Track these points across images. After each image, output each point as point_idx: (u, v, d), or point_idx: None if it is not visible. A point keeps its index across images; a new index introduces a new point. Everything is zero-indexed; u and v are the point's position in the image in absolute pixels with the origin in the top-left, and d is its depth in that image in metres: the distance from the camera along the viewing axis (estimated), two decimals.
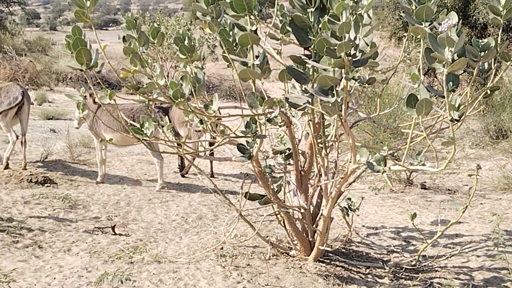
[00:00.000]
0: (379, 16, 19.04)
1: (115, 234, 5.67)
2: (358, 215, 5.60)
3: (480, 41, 3.83)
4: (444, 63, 3.39)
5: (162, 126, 4.59)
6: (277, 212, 5.07)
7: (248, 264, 4.79)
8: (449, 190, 7.79)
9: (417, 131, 4.53)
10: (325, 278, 4.55)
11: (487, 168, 8.79)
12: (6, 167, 7.87)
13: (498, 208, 6.86)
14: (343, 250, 5.31)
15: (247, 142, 4.40)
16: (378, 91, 10.12)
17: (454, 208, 6.39)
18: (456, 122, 3.60)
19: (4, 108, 7.82)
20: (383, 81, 5.63)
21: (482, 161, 9.49)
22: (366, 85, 5.01)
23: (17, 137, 7.89)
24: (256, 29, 4.47)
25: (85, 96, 4.68)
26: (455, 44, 3.32)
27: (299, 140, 5.19)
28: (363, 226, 6.20)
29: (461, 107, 3.65)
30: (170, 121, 4.71)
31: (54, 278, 4.47)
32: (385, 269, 4.76)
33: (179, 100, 4.18)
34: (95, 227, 5.85)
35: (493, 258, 4.92)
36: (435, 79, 17.02)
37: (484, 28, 16.18)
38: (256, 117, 4.47)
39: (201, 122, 4.58)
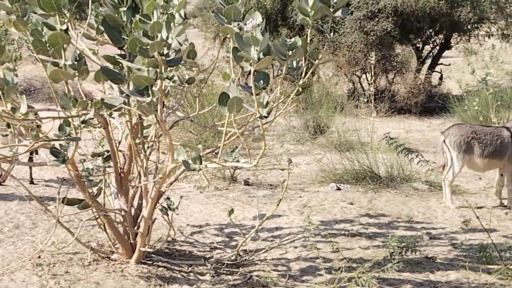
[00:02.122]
0: (205, 17, 19.30)
1: None
2: (178, 214, 5.64)
3: (288, 40, 4.01)
4: (250, 61, 3.52)
5: None
6: (97, 216, 4.96)
7: (67, 272, 4.65)
8: (271, 185, 8.09)
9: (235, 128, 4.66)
10: (146, 279, 4.54)
11: (306, 162, 9.26)
12: None
13: (315, 200, 7.24)
14: (167, 250, 5.32)
15: (61, 145, 4.26)
16: (205, 90, 10.31)
17: (272, 202, 6.65)
18: (265, 118, 3.75)
19: None
20: (201, 81, 5.72)
21: (302, 156, 9.97)
22: (186, 84, 5.08)
23: None
24: (67, 28, 4.32)
25: None
26: (260, 43, 3.45)
27: (119, 142, 5.12)
28: (188, 225, 6.25)
29: (270, 104, 3.80)
30: None
31: None
32: (206, 266, 4.84)
33: None
34: None
35: (309, 248, 5.19)
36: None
37: (301, 29, 17.00)
38: (71, 119, 4.34)
39: (9, 126, 4.35)
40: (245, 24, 3.52)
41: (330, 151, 9.97)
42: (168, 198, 4.73)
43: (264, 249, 5.39)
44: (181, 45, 4.11)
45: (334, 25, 16.22)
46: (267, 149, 10.36)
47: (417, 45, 18.13)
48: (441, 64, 18.59)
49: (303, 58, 4.56)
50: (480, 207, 6.91)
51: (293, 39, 4.01)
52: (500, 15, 17.21)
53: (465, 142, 6.87)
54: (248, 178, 8.33)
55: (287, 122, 12.27)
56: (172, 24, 3.96)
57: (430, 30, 17.36)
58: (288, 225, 6.23)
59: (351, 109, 14.12)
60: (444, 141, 7.00)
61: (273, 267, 4.93)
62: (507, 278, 4.59)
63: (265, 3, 16.74)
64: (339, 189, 7.82)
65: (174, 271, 4.77)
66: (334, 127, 11.69)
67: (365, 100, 12.05)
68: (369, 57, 12.00)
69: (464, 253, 5.19)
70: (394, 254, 4.92)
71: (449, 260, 5.16)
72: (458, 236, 5.84)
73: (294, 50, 3.97)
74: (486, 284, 4.41)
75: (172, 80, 4.37)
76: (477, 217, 5.10)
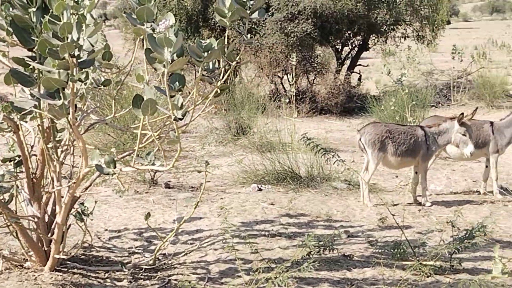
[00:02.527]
0: (125, 18, 19.00)
1: None
2: (92, 220, 5.50)
3: (203, 41, 3.99)
4: (164, 63, 3.48)
5: None
6: (8, 224, 4.79)
7: None
8: (192, 187, 8.04)
9: (154, 131, 4.59)
10: (61, 287, 4.41)
11: (228, 164, 9.26)
12: None
13: (237, 201, 7.25)
14: (83, 256, 5.20)
15: None
16: (126, 92, 10.14)
17: (193, 205, 6.61)
18: (180, 120, 3.71)
19: None
20: (118, 83, 5.62)
21: (224, 158, 9.96)
22: (102, 87, 4.97)
23: None
24: None
25: None
26: (174, 44, 3.42)
27: (32, 146, 4.96)
28: (106, 230, 6.13)
29: (185, 106, 3.77)
30: None
31: None
32: (124, 271, 4.76)
33: None
34: None
35: (228, 250, 5.18)
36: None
37: (223, 30, 16.99)
38: None
39: None
40: (158, 25, 3.48)
41: (252, 152, 10.00)
42: (82, 204, 4.61)
43: (183, 252, 5.34)
44: (93, 46, 4.02)
45: (255, 27, 16.32)
46: (189, 151, 10.32)
47: (337, 46, 18.46)
48: (360, 65, 19.00)
49: (221, 60, 4.55)
50: (396, 205, 7.10)
51: (208, 41, 4.00)
52: (415, 17, 17.73)
53: (379, 140, 7.05)
54: (169, 181, 8.25)
55: (209, 124, 12.24)
56: (83, 25, 3.87)
57: (349, 32, 17.70)
58: (209, 227, 6.21)
59: (273, 110, 14.23)
60: (360, 139, 7.17)
61: (192, 270, 4.90)
62: (420, 274, 4.73)
63: (186, 4, 16.64)
64: (260, 190, 7.86)
65: (90, 278, 4.67)
66: (256, 128, 11.74)
67: (287, 100, 12.16)
68: (290, 58, 12.12)
69: (380, 250, 5.31)
70: (312, 253, 4.98)
71: (365, 257, 5.27)
72: (375, 234, 5.98)
73: (209, 52, 3.96)
74: (400, 280, 4.52)
75: (85, 82, 4.25)
76: (393, 215, 5.24)
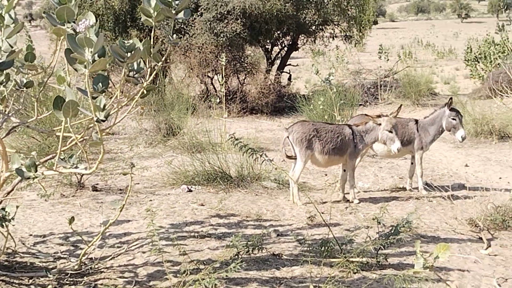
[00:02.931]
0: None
1: None
2: (14, 225, 5.35)
3: (126, 42, 3.93)
4: (85, 63, 3.41)
5: None
6: None
7: None
8: (120, 190, 7.92)
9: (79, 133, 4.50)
10: None
11: (157, 165, 9.18)
12: None
13: (166, 203, 7.20)
14: (6, 263, 5.04)
15: None
16: (52, 94, 9.89)
17: (118, 207, 6.51)
18: (102, 122, 3.65)
19: None
20: (40, 84, 5.48)
21: (153, 159, 9.87)
22: (25, 89, 4.83)
23: None
24: None
25: None
26: (94, 45, 3.36)
27: None
28: (30, 235, 5.97)
29: (107, 107, 3.70)
30: None
31: None
32: (49, 277, 4.64)
33: None
34: None
35: (155, 253, 5.13)
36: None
37: (151, 30, 16.83)
38: None
39: None
40: (78, 25, 3.41)
41: (182, 153, 9.96)
42: (3, 209, 4.47)
43: (110, 256, 5.26)
44: (12, 47, 3.92)
45: (185, 27, 16.25)
46: (117, 152, 10.18)
47: (267, 46, 18.61)
48: (290, 65, 19.21)
49: (147, 60, 4.50)
50: (325, 203, 7.22)
51: (131, 41, 3.95)
52: (342, 18, 18.08)
53: (306, 139, 7.14)
54: (97, 184, 8.10)
55: (138, 125, 12.11)
56: (1, 25, 3.76)
57: (278, 32, 17.88)
58: (137, 230, 6.13)
59: (204, 110, 14.22)
60: (288, 137, 7.24)
61: (119, 274, 4.83)
62: (347, 271, 4.82)
63: (113, 3, 16.40)
64: (190, 191, 7.83)
65: (13, 285, 4.53)
66: (186, 128, 11.70)
67: (217, 101, 12.17)
68: (219, 58, 12.14)
69: (308, 248, 5.37)
70: (241, 253, 5.00)
71: (294, 256, 5.32)
72: (304, 232, 6.04)
73: (133, 52, 3.91)
74: (328, 277, 4.59)
75: (4, 85, 4.12)
76: (321, 213, 5.32)
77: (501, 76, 16.75)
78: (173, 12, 4.44)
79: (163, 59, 4.56)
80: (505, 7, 32.34)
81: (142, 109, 5.45)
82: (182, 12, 4.54)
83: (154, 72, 4.64)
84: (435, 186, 7.87)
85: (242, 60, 16.74)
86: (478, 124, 12.19)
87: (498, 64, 18.67)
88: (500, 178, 8.90)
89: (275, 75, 17.86)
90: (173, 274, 4.59)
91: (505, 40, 19.91)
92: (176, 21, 4.57)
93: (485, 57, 20.87)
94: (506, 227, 6.27)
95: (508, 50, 19.15)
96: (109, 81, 3.91)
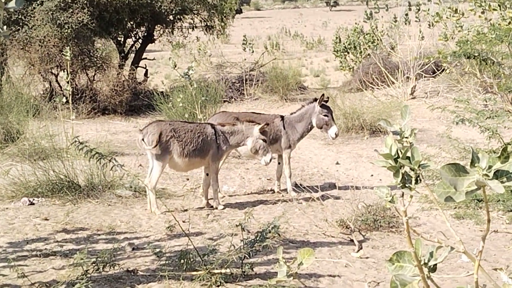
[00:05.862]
0: None
1: None
2: None
3: None
4: None
5: None
6: None
7: None
8: None
9: None
10: None
11: None
12: None
13: (4, 218, 6.90)
14: None
15: None
16: None
17: None
18: None
19: None
20: None
21: None
22: None
23: None
24: None
25: None
26: None
27: None
28: None
29: None
30: None
31: None
32: None
33: None
34: None
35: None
36: None
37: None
38: None
39: None
40: None
41: (22, 161, 9.56)
42: None
43: None
44: None
45: (23, 18, 15.65)
46: None
47: (119, 38, 18.35)
48: (146, 58, 19.06)
49: None
50: (186, 210, 7.22)
51: None
52: (202, 6, 18.16)
53: (163, 140, 7.05)
54: None
55: None
56: None
57: (131, 22, 17.69)
58: None
59: (49, 111, 13.75)
60: (142, 139, 7.11)
61: None
62: (209, 284, 4.83)
63: None
64: (32, 203, 7.55)
65: None
66: (27, 133, 11.25)
67: (64, 100, 11.83)
68: (64, 53, 11.81)
69: (167, 262, 5.34)
70: (89, 271, 4.87)
71: (151, 271, 5.27)
72: (163, 244, 6.00)
73: None
74: None
75: None
76: (179, 222, 5.30)
77: (371, 67, 17.57)
78: (3, 1, 4.26)
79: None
80: None
81: None
82: (13, 1, 4.37)
83: None
84: (305, 187, 8.06)
85: (91, 54, 16.40)
86: (349, 119, 12.67)
87: (368, 54, 19.53)
88: (372, 175, 9.32)
89: (130, 70, 17.65)
90: None
91: (373, 28, 20.89)
92: (8, 10, 4.39)
93: (354, 47, 21.74)
94: (377, 227, 6.57)
95: (377, 39, 20.09)
96: None
